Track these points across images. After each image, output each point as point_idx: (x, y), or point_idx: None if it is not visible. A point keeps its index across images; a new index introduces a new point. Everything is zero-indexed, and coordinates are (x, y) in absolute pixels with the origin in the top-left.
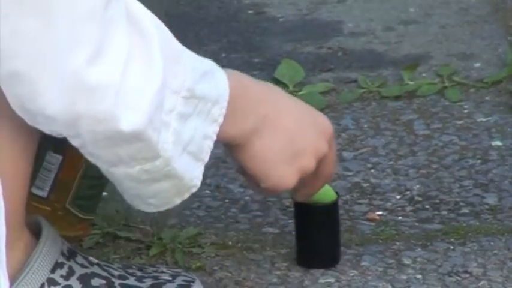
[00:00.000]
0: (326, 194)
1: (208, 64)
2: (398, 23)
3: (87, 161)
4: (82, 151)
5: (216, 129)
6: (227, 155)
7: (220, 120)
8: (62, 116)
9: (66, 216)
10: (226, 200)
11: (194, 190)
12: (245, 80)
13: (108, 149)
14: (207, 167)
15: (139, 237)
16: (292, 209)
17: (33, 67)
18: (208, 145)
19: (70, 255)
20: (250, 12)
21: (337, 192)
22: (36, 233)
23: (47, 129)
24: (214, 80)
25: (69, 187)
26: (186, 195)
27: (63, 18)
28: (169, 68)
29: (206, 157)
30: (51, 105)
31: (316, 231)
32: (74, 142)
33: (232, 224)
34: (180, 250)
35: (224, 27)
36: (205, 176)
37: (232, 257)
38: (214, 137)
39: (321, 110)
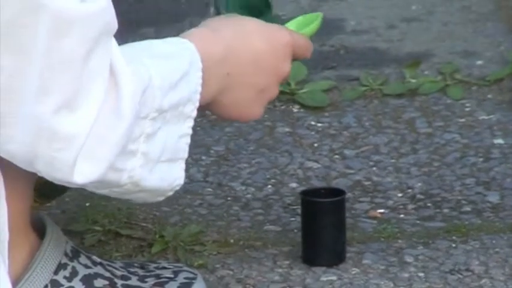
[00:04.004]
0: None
1: (184, 63)
2: (401, 21)
3: None
4: None
5: (191, 123)
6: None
7: (194, 113)
8: (21, 154)
9: None
10: (228, 198)
11: (178, 188)
12: (209, 43)
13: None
14: (209, 166)
15: (141, 235)
16: (294, 207)
17: (2, 101)
18: (185, 142)
19: (73, 255)
20: None
21: (343, 190)
22: (40, 231)
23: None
24: (187, 80)
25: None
26: (170, 194)
27: (37, 63)
28: (139, 102)
29: (185, 154)
30: (13, 141)
31: (322, 227)
32: None
33: (234, 222)
34: (182, 248)
35: None
36: (206, 174)
37: (234, 255)
38: (190, 132)
39: (324, 108)
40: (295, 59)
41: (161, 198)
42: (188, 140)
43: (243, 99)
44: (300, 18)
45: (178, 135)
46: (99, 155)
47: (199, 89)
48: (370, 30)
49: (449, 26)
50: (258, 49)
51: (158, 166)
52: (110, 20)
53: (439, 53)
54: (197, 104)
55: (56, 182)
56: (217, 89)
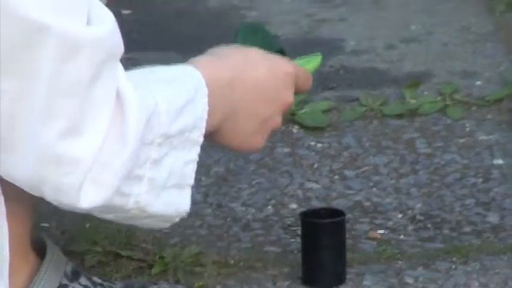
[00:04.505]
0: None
1: (189, 90)
2: (400, 41)
3: None
4: None
5: (197, 149)
6: None
7: (201, 140)
8: (27, 178)
9: None
10: (228, 219)
11: (184, 215)
12: (214, 69)
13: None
14: (209, 186)
15: (141, 256)
16: (294, 228)
17: (7, 126)
18: (191, 169)
19: (74, 276)
20: None
21: (343, 211)
22: (40, 252)
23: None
24: (193, 107)
25: None
26: (177, 220)
27: (43, 87)
28: (145, 128)
29: (191, 180)
30: (18, 165)
31: (322, 248)
32: None
33: (234, 243)
34: (182, 269)
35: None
36: (206, 194)
37: (234, 276)
38: (196, 158)
39: (323, 128)
40: (296, 90)
41: (167, 225)
42: (194, 166)
43: (246, 128)
44: (301, 58)
45: (184, 162)
46: (104, 180)
47: (206, 115)
48: (370, 50)
49: (449, 46)
50: (262, 77)
51: (164, 192)
52: (116, 43)
53: (438, 73)
54: (203, 131)
55: (61, 207)
56: (221, 117)
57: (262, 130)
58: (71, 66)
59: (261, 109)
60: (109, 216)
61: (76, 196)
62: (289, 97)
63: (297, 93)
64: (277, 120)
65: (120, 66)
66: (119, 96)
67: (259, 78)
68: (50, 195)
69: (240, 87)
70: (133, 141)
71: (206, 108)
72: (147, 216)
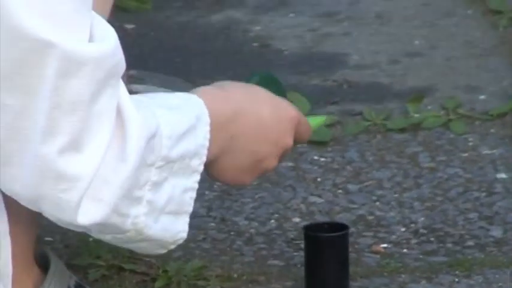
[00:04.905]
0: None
1: (191, 117)
2: (404, 56)
3: None
4: None
5: (197, 178)
6: None
7: (201, 168)
8: (26, 193)
9: None
10: (232, 233)
11: (181, 242)
12: (217, 101)
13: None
14: (212, 200)
15: (145, 269)
16: (297, 242)
17: (7, 140)
18: (190, 196)
19: None
20: (255, 45)
21: (347, 225)
22: (44, 266)
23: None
24: (194, 134)
25: None
26: (172, 247)
27: (44, 103)
28: (145, 148)
29: (190, 208)
30: (17, 180)
31: (325, 262)
32: None
33: (238, 257)
34: (186, 283)
35: (229, 60)
36: (210, 208)
37: None
38: (196, 186)
39: (327, 142)
40: (294, 137)
41: (163, 251)
42: (194, 194)
43: (240, 165)
44: (307, 115)
45: (184, 188)
46: (103, 197)
47: (207, 143)
48: (373, 65)
49: (452, 60)
50: (265, 117)
51: (162, 217)
52: (119, 61)
53: (442, 87)
54: (204, 159)
55: (59, 223)
56: (219, 150)
57: (255, 169)
58: (72, 83)
59: (259, 148)
60: (107, 238)
61: (74, 212)
62: (289, 141)
63: (295, 140)
64: (273, 162)
65: (121, 83)
66: (120, 113)
67: (262, 117)
68: (48, 210)
69: (241, 123)
70: (133, 158)
71: (208, 136)
72: (143, 239)
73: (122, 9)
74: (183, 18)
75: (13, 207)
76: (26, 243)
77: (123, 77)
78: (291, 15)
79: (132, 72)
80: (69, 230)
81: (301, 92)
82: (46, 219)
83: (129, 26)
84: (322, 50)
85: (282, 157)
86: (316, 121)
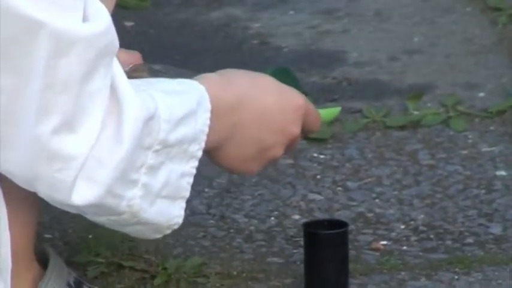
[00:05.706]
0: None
1: (192, 102)
2: (403, 53)
3: None
4: None
5: (195, 164)
6: None
7: (199, 154)
8: (21, 173)
9: None
10: (231, 230)
11: (176, 227)
12: (219, 89)
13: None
14: (212, 198)
15: (144, 266)
16: (297, 239)
17: (2, 120)
18: (187, 182)
19: (76, 286)
20: (254, 42)
21: (346, 222)
22: (43, 262)
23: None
24: (194, 119)
25: None
26: (167, 232)
27: (36, 83)
28: (142, 130)
29: (186, 193)
30: (12, 160)
31: (325, 259)
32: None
33: (237, 254)
34: (185, 280)
35: (228, 57)
36: (209, 206)
37: (237, 287)
38: (194, 171)
39: (326, 140)
40: (303, 127)
41: (158, 236)
42: (191, 180)
43: (244, 153)
44: (321, 107)
45: (181, 174)
46: (97, 178)
47: (206, 129)
48: (373, 62)
49: (452, 58)
50: (269, 105)
51: (158, 201)
52: (111, 40)
53: (441, 85)
54: (203, 145)
55: (54, 203)
56: (221, 137)
57: (261, 157)
58: (63, 62)
59: (264, 136)
60: (102, 220)
61: (69, 192)
62: (295, 130)
63: (304, 130)
64: (279, 150)
65: (117, 63)
66: (115, 94)
67: (266, 105)
68: (43, 190)
69: (245, 110)
70: (128, 139)
71: (207, 122)
72: (138, 222)
73: (121, 6)
74: (182, 16)
75: (12, 202)
76: (25, 239)
77: (145, 70)
78: (291, 12)
79: (157, 67)
80: (69, 228)
81: (301, 89)
82: (46, 216)
83: (128, 24)
84: (322, 47)
85: (290, 147)
86: (329, 112)
